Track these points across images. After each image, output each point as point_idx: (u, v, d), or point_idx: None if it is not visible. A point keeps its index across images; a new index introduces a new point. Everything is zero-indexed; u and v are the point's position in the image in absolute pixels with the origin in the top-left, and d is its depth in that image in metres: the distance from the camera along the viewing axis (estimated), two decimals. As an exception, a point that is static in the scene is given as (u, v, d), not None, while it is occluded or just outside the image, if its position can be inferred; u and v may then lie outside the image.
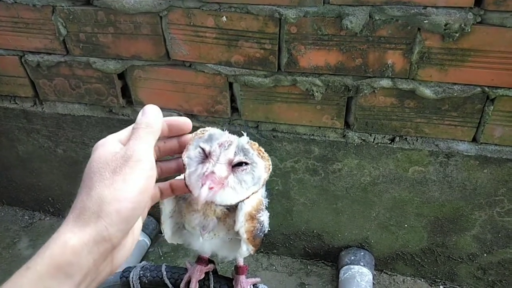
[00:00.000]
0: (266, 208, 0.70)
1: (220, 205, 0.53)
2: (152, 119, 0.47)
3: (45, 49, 1.27)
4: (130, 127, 0.48)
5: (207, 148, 0.52)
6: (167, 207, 0.62)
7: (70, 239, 0.40)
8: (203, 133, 0.54)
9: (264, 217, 0.66)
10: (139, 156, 0.43)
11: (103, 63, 1.24)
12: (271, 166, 0.56)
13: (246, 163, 0.52)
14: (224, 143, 0.52)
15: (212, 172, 0.50)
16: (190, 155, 0.53)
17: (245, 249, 0.64)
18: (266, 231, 0.69)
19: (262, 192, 0.68)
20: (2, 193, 1.73)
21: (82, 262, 0.40)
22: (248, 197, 0.54)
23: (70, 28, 1.20)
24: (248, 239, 0.62)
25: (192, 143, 0.53)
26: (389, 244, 1.36)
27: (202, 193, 0.48)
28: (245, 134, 0.56)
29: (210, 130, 0.55)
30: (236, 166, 0.52)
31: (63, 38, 1.22)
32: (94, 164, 0.44)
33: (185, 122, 0.53)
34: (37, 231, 1.64)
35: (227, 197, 0.52)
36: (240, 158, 0.52)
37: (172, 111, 1.28)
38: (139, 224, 0.49)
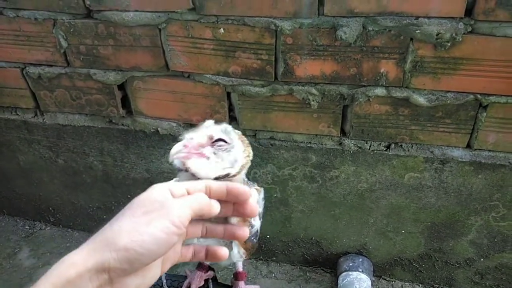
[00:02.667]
0: (260, 217, 0.72)
1: (196, 176, 0.55)
2: (205, 199, 0.48)
3: (46, 61, 1.29)
4: (187, 185, 0.49)
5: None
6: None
7: (77, 261, 0.40)
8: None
9: (257, 222, 0.68)
10: (174, 213, 0.43)
11: (104, 75, 1.26)
12: (251, 154, 0.61)
13: (225, 141, 0.57)
14: (211, 128, 0.59)
15: (191, 138, 0.56)
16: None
17: (236, 252, 0.66)
18: (258, 237, 0.70)
19: (259, 198, 0.70)
20: (3, 203, 1.74)
21: (84, 287, 0.40)
22: (222, 176, 0.56)
23: (71, 41, 1.22)
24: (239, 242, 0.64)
25: None
26: (387, 250, 1.37)
27: (174, 148, 0.53)
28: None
29: (207, 122, 0.60)
30: (215, 142, 0.57)
31: (64, 51, 1.25)
32: (135, 201, 0.45)
33: (244, 192, 0.51)
34: (37, 241, 1.65)
35: (200, 166, 0.55)
36: (220, 135, 0.57)
37: (171, 121, 1.30)
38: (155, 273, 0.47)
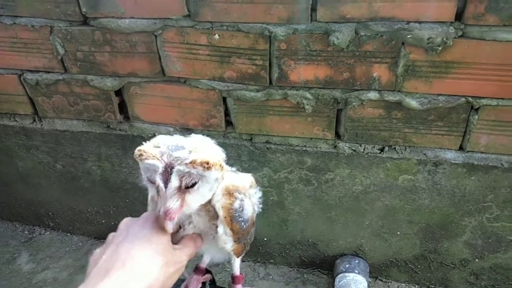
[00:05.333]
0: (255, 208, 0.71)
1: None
2: (195, 250, 0.66)
3: (44, 68, 1.30)
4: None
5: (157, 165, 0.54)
6: (150, 193, 0.65)
7: None
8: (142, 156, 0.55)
9: (247, 206, 0.66)
10: (183, 264, 0.62)
11: (101, 81, 1.27)
12: (221, 162, 0.57)
13: (195, 183, 0.56)
14: (164, 172, 0.54)
15: (166, 208, 0.55)
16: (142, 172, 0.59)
17: (222, 231, 0.64)
18: (248, 224, 0.68)
19: (253, 189, 0.70)
20: (2, 208, 1.75)
21: None
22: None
23: (67, 48, 1.24)
24: (225, 218, 0.61)
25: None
26: (382, 251, 1.39)
27: (168, 228, 0.57)
28: (174, 152, 0.54)
29: (144, 150, 0.55)
30: (188, 187, 0.55)
31: (61, 57, 1.26)
32: (150, 237, 0.58)
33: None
34: (37, 246, 1.66)
35: (192, 207, 0.59)
36: (187, 181, 0.55)
37: (168, 126, 1.31)
38: None
